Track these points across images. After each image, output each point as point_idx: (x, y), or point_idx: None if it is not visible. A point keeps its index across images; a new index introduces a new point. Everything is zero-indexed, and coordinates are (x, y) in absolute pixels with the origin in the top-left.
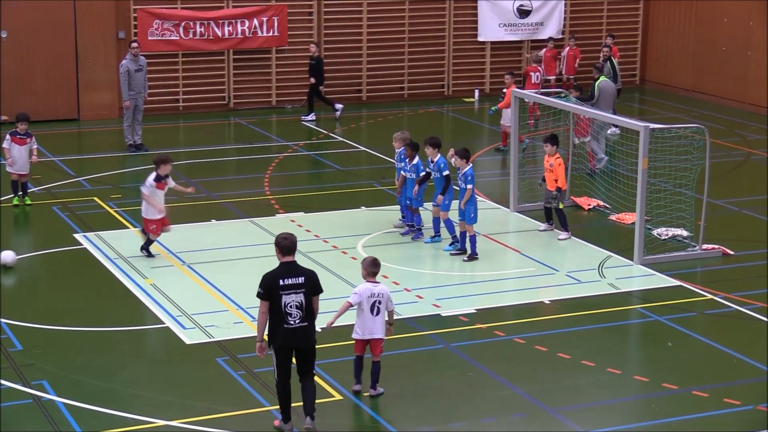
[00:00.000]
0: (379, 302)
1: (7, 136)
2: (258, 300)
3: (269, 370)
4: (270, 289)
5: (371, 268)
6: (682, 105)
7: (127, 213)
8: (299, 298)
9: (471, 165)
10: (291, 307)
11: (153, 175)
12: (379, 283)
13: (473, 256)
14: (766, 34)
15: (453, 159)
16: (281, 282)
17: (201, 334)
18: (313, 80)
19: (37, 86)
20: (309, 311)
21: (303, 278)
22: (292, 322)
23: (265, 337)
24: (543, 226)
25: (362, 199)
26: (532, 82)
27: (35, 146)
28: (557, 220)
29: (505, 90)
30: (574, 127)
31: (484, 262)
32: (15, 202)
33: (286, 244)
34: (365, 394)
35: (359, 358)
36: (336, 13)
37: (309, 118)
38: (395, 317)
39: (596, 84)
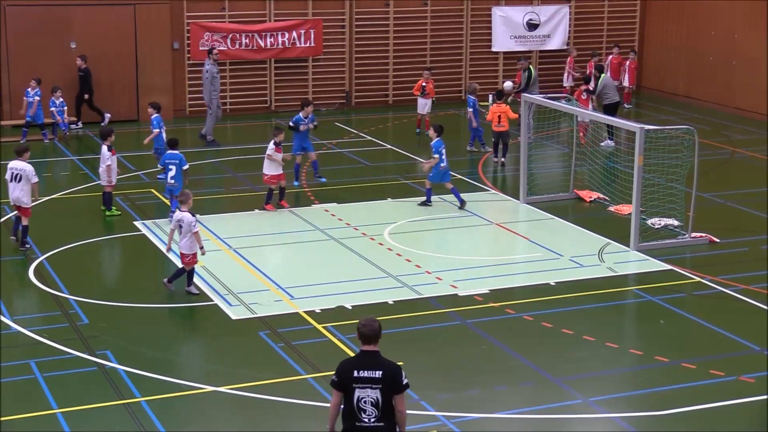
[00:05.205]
0: (181, 225)
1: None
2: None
3: (307, 342)
4: (343, 379)
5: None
6: (675, 108)
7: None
8: (375, 394)
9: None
10: (365, 403)
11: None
12: (186, 212)
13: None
14: (749, 45)
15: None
16: (356, 374)
17: (245, 311)
18: (86, 96)
19: (102, 91)
20: (387, 410)
21: (381, 372)
22: (366, 420)
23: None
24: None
25: (388, 191)
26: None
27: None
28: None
29: (425, 84)
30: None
31: (497, 247)
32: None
33: (364, 332)
34: (196, 294)
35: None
36: (366, 26)
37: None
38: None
39: (530, 74)
